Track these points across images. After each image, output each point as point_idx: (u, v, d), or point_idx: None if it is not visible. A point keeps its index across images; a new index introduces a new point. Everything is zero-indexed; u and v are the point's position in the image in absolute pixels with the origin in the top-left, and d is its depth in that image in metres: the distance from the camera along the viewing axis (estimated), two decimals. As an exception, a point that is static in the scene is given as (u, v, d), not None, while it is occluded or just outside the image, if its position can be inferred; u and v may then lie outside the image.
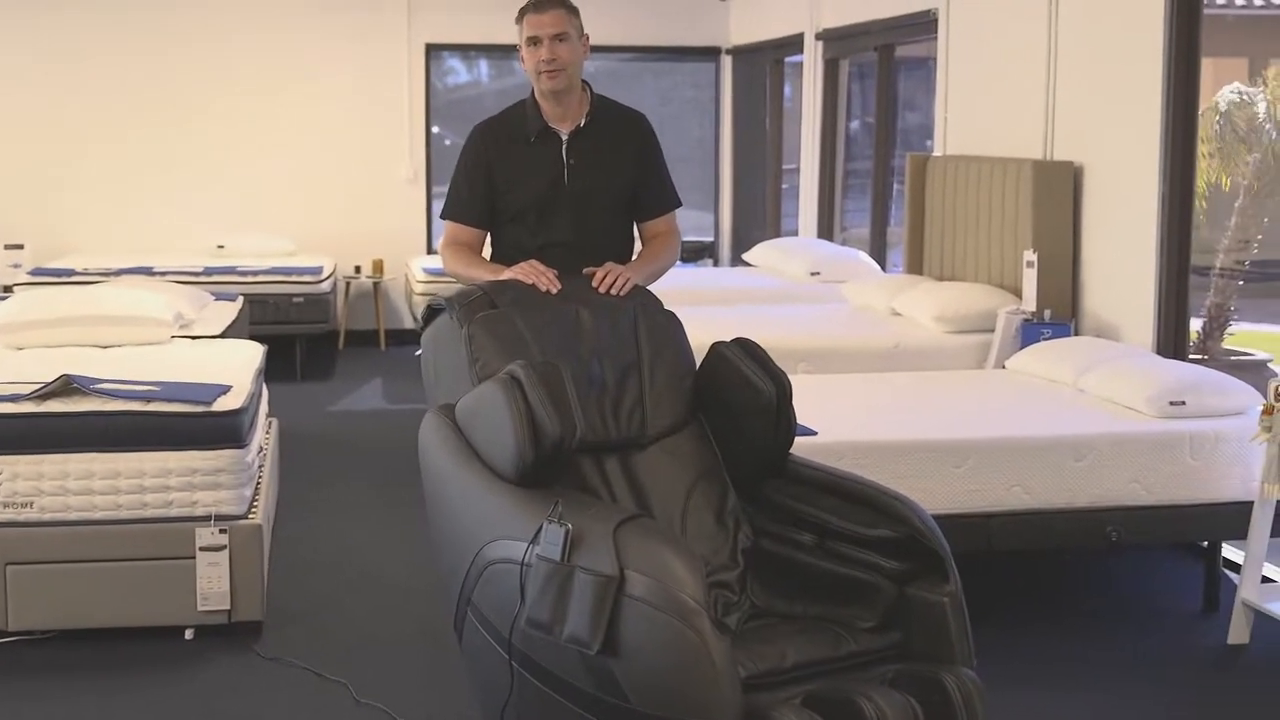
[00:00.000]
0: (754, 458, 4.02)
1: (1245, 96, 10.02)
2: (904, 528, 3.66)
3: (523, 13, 4.46)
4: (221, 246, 11.66)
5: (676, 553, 3.22)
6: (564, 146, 4.51)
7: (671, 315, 4.25)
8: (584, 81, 4.57)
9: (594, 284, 4.24)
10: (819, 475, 3.95)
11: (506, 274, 4.26)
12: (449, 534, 3.80)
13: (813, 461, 4.04)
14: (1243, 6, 13.26)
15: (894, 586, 3.64)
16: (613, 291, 4.22)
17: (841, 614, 3.67)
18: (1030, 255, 6.99)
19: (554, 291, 4.15)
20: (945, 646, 3.56)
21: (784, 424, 3.97)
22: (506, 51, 12.92)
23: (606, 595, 3.18)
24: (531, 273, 4.21)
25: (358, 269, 12.25)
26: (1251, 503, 5.29)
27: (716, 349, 4.11)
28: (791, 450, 4.06)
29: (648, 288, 4.34)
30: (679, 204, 4.76)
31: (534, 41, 4.42)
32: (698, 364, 4.20)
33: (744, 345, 4.08)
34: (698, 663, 3.13)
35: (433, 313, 4.21)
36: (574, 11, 4.46)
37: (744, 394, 3.99)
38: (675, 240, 4.68)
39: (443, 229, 4.67)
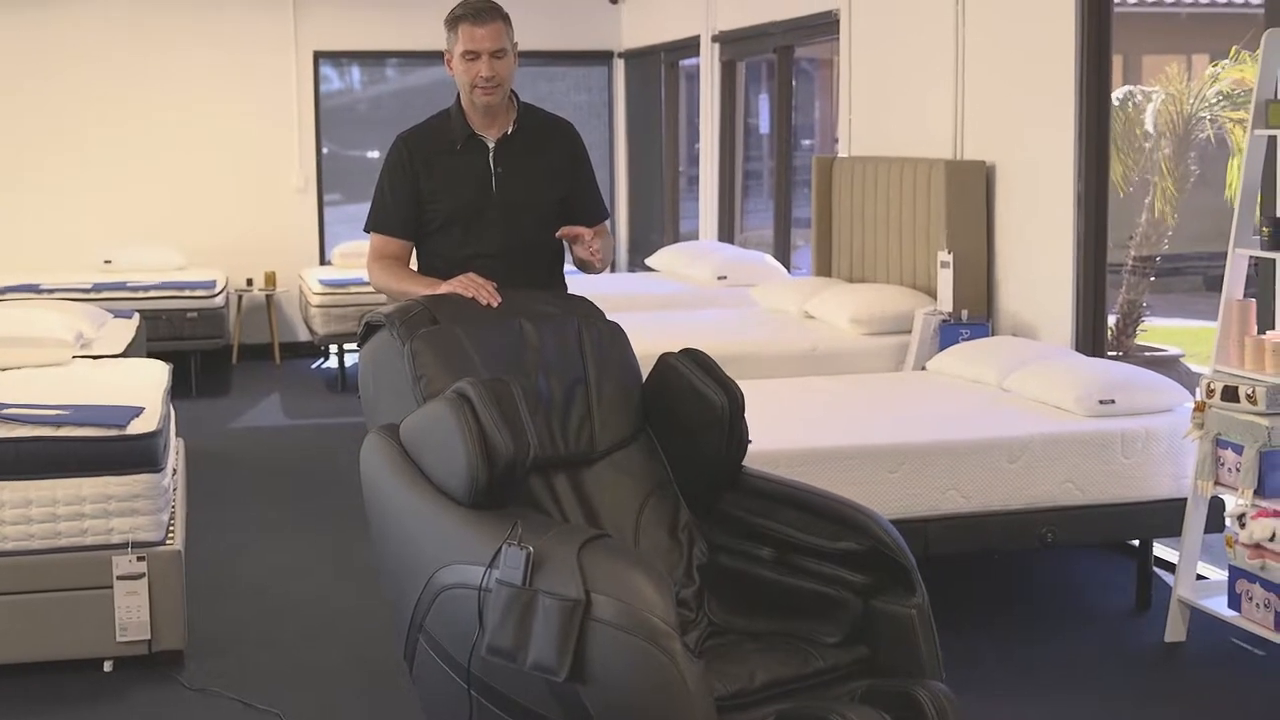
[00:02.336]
0: (706, 471, 3.93)
1: (1141, 95, 10.11)
2: (868, 540, 3.58)
3: (457, 20, 4.30)
4: (109, 262, 11.38)
5: (644, 573, 3.12)
6: (491, 154, 4.40)
7: (615, 326, 4.15)
8: None
9: (581, 237, 4.30)
10: (775, 487, 3.86)
11: (444, 287, 4.13)
12: (397, 559, 3.67)
13: (767, 473, 3.96)
14: (1118, 4, 13.44)
15: (859, 600, 3.56)
16: (589, 254, 4.30)
17: (805, 630, 3.59)
18: (945, 255, 6.97)
19: (494, 305, 4.03)
20: (914, 660, 3.49)
21: (736, 435, 3.89)
22: (393, 58, 12.76)
23: (572, 620, 3.08)
24: (470, 285, 4.09)
25: (249, 281, 11.99)
26: (1183, 500, 5.29)
27: (665, 360, 4.01)
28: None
29: (590, 301, 4.24)
30: (607, 214, 4.68)
31: (471, 55, 4.28)
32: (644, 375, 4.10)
33: (693, 356, 3.98)
34: (670, 686, 3.03)
35: (370, 329, 4.07)
36: (508, 21, 4.34)
37: (695, 406, 3.90)
38: (612, 243, 4.60)
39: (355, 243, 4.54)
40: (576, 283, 4.69)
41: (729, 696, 3.32)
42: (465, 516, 3.43)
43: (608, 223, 4.68)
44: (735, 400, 3.88)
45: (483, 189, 4.38)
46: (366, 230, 4.52)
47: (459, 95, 4.42)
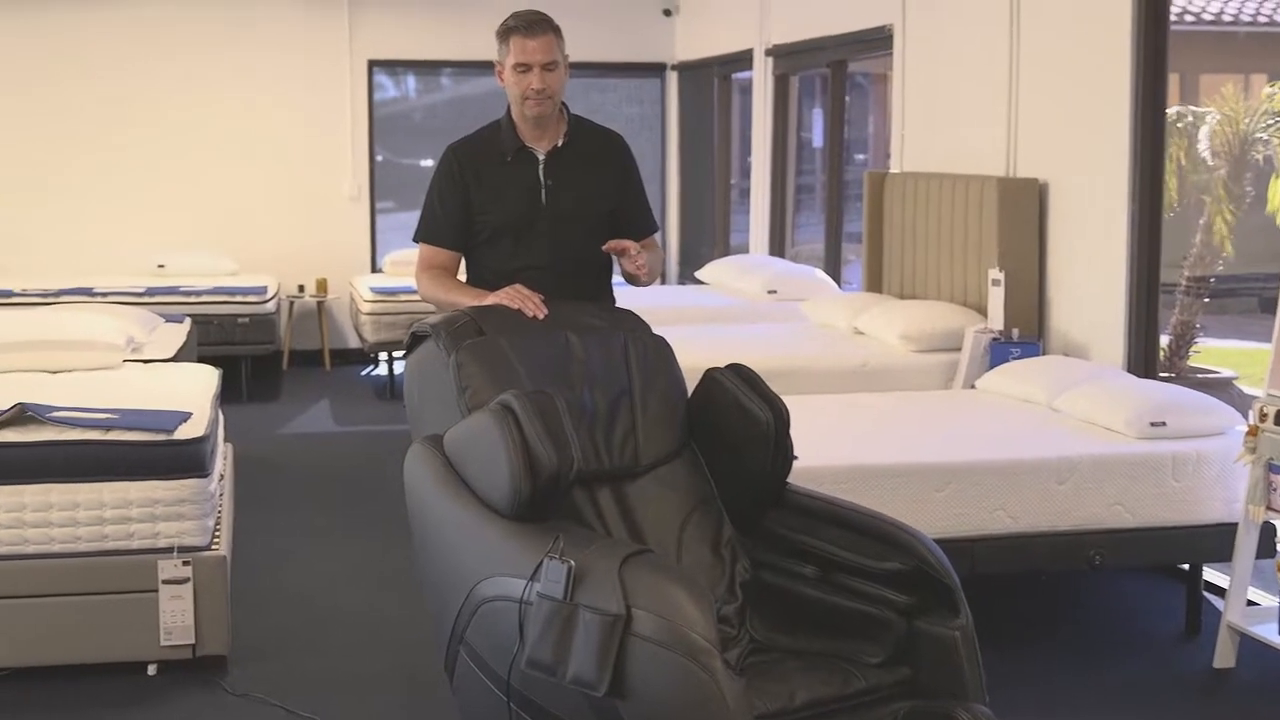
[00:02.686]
0: (751, 487, 3.92)
1: (1192, 115, 10.05)
2: (913, 560, 3.55)
3: (509, 32, 4.30)
4: (162, 266, 11.41)
5: (686, 589, 3.10)
6: (541, 166, 4.39)
7: (661, 340, 4.14)
8: None
9: (627, 251, 4.28)
10: (819, 505, 3.84)
11: (491, 298, 4.13)
12: (439, 570, 3.67)
13: (812, 490, 3.94)
14: (1174, 23, 13.33)
15: (903, 621, 3.54)
16: (635, 268, 4.26)
17: (848, 649, 3.57)
18: (996, 273, 6.93)
19: (540, 317, 4.03)
20: (957, 681, 3.46)
21: (782, 452, 3.87)
22: (447, 68, 12.80)
23: (613, 635, 3.07)
24: (517, 297, 4.09)
25: (301, 288, 12.05)
26: (1234, 524, 5.23)
27: (711, 376, 4.00)
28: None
29: (638, 315, 4.23)
30: (657, 227, 4.67)
31: (523, 67, 4.28)
32: (689, 389, 4.09)
33: (739, 371, 3.98)
34: (709, 703, 3.02)
35: (416, 339, 4.08)
36: (560, 33, 4.33)
37: (741, 422, 3.89)
38: (661, 256, 4.60)
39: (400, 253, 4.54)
40: (625, 295, 4.68)
41: (769, 715, 3.30)
42: (508, 529, 3.43)
43: (658, 236, 4.67)
44: (780, 416, 3.87)
45: (532, 201, 4.38)
46: (416, 240, 4.53)
47: (509, 106, 4.43)
